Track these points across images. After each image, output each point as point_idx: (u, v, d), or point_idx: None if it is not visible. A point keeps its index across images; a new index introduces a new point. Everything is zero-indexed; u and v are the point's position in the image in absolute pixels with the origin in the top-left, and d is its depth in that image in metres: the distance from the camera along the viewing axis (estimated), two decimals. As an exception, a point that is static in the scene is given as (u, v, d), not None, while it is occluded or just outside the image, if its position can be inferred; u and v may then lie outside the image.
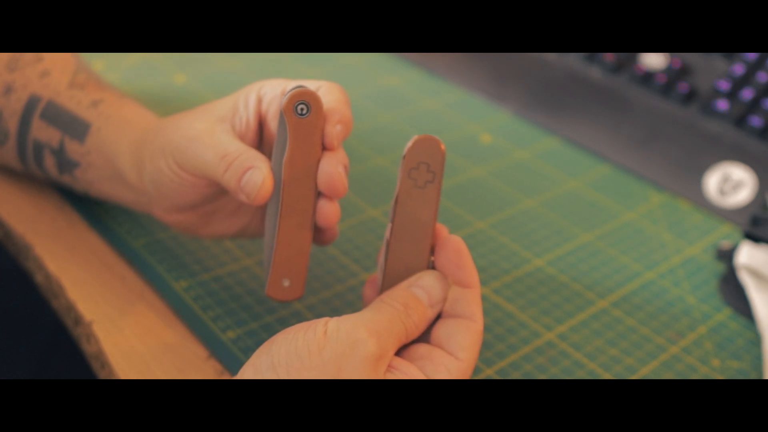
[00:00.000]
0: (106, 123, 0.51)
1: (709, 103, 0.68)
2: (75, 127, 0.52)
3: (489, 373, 0.47)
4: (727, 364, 0.49)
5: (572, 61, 0.76)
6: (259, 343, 0.47)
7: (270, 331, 0.48)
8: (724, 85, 0.69)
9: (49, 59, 0.55)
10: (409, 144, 0.43)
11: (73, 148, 0.52)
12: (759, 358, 0.50)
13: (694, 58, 0.73)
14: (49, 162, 0.53)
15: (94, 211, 0.56)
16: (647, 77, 0.72)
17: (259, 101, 0.47)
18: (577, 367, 0.48)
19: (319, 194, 0.44)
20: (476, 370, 0.47)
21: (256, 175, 0.44)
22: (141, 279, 0.52)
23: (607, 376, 0.48)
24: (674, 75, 0.71)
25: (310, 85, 0.46)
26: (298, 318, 0.49)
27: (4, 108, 0.54)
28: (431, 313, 0.43)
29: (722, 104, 0.68)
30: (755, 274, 0.53)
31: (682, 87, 0.70)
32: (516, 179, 0.65)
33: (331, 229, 0.47)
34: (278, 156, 0.44)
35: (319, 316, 0.50)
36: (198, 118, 0.47)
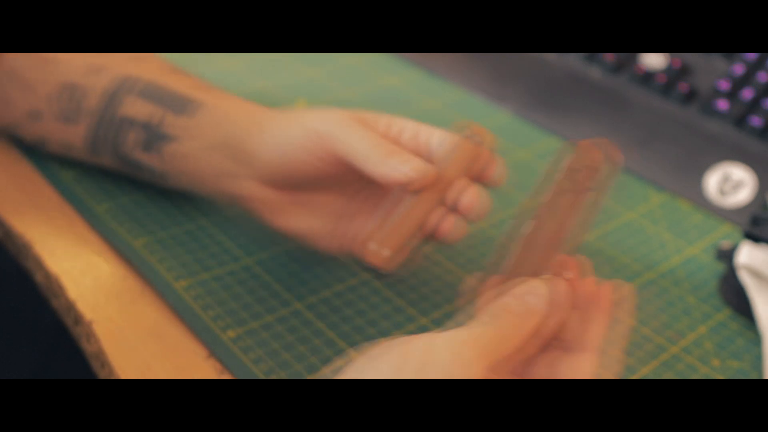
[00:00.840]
0: (222, 102, 0.54)
1: (709, 103, 0.68)
2: (183, 104, 0.53)
3: (489, 373, 0.47)
4: (727, 364, 0.49)
5: (572, 61, 0.76)
6: (259, 343, 0.47)
7: (270, 330, 0.48)
8: (724, 85, 0.69)
9: (138, 52, 0.58)
10: (581, 144, 0.42)
11: (176, 122, 0.53)
12: (759, 358, 0.50)
13: (694, 58, 0.73)
14: (134, 138, 0.54)
15: (95, 211, 0.56)
16: (647, 77, 0.72)
17: (401, 132, 0.48)
18: (577, 367, 0.48)
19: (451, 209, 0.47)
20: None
21: (421, 163, 0.46)
22: (141, 279, 0.52)
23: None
24: (674, 75, 0.71)
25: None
26: (298, 317, 0.49)
27: (88, 85, 0.55)
28: (550, 323, 0.38)
29: (722, 104, 0.68)
30: (755, 274, 0.53)
31: (682, 87, 0.70)
32: (516, 179, 0.65)
33: (451, 243, 0.47)
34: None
35: (319, 315, 0.50)
36: (343, 110, 0.49)
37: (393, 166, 0.45)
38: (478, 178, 0.48)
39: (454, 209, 0.47)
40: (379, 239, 0.45)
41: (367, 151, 0.46)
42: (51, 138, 0.57)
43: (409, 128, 0.49)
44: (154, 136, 0.54)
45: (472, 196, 0.46)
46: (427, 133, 0.48)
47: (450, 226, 0.46)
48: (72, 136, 0.56)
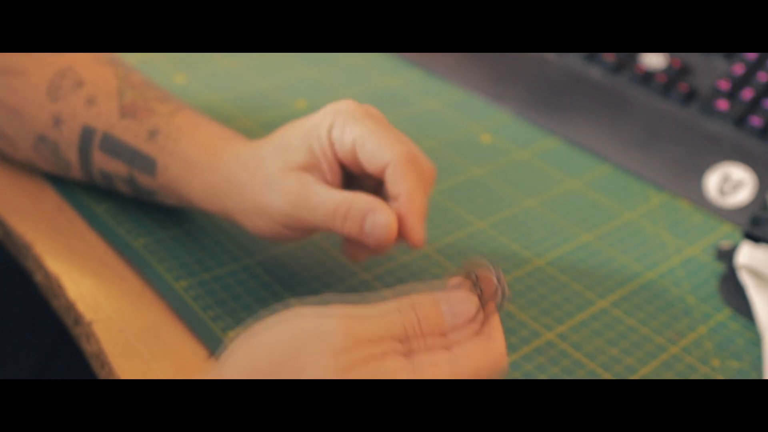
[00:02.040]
0: (171, 160, 0.51)
1: (709, 103, 0.68)
2: (141, 162, 0.52)
3: (489, 373, 0.47)
4: (727, 364, 0.49)
5: (572, 61, 0.76)
6: (259, 343, 0.47)
7: (270, 331, 0.48)
8: (724, 85, 0.69)
9: (90, 83, 0.54)
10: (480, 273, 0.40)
11: (146, 180, 0.53)
12: (759, 358, 0.50)
13: (694, 58, 0.73)
14: (123, 188, 0.55)
15: (94, 211, 0.56)
16: (647, 77, 0.72)
17: (332, 146, 0.47)
18: (577, 367, 0.48)
19: None
20: (476, 370, 0.47)
21: (381, 217, 0.44)
22: (141, 279, 0.52)
23: (607, 376, 0.48)
24: (674, 75, 0.71)
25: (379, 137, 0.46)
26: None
27: (58, 140, 0.54)
28: (448, 326, 0.38)
29: (722, 104, 0.68)
30: (755, 274, 0.53)
31: (682, 87, 0.70)
32: (516, 179, 0.65)
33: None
34: None
35: (319, 316, 0.50)
36: (280, 173, 0.47)
37: (350, 229, 0.45)
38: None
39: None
40: None
41: (326, 223, 0.46)
42: (58, 175, 0.58)
43: (365, 148, 0.46)
44: (137, 189, 0.54)
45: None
46: (373, 152, 0.46)
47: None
48: (73, 178, 0.57)
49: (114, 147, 0.53)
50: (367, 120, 0.47)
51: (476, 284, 0.39)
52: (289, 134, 0.48)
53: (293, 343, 0.36)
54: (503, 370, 0.39)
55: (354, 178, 0.49)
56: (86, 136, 0.53)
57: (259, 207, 0.48)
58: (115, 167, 0.53)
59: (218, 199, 0.50)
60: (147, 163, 0.52)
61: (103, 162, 0.53)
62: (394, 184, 0.45)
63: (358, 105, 0.48)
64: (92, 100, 0.53)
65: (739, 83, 0.69)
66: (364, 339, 0.36)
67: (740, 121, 0.67)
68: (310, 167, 0.47)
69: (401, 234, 0.45)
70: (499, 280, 0.39)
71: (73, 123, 0.53)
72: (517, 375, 0.47)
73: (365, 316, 0.37)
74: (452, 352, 0.38)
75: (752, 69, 0.70)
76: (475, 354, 0.38)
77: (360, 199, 0.45)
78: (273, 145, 0.49)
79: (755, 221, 0.56)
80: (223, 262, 0.53)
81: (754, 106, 0.68)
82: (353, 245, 0.49)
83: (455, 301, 0.39)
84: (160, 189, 0.53)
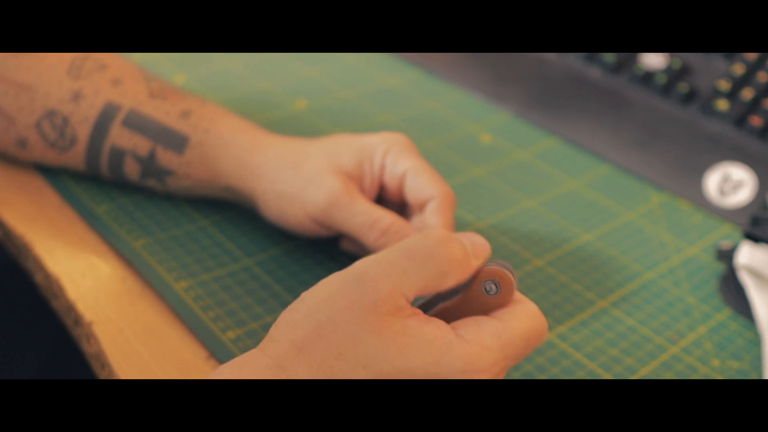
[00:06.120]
0: (206, 137, 0.54)
1: (709, 103, 0.68)
2: (169, 138, 0.54)
3: (489, 373, 0.47)
4: (727, 364, 0.49)
5: (572, 61, 0.76)
6: (258, 344, 0.47)
7: (270, 331, 0.48)
8: (724, 85, 0.69)
9: (114, 66, 0.56)
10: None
11: (168, 157, 0.54)
12: (759, 358, 0.50)
13: (694, 58, 0.73)
14: (131, 168, 0.55)
15: (95, 211, 0.56)
16: (647, 77, 0.72)
17: (383, 168, 0.51)
18: (577, 367, 0.48)
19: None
20: (476, 370, 0.47)
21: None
22: (141, 279, 0.52)
23: (607, 376, 0.48)
24: (674, 75, 0.71)
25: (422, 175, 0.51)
26: (298, 318, 0.49)
27: (71, 114, 0.54)
28: (474, 264, 0.40)
29: (722, 104, 0.68)
30: (755, 274, 0.53)
31: (682, 87, 0.70)
32: (516, 179, 0.65)
33: None
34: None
35: (319, 316, 0.50)
36: (327, 172, 0.50)
37: (382, 245, 0.49)
38: None
39: None
40: None
41: (361, 231, 0.49)
42: (47, 162, 0.58)
43: (416, 180, 0.51)
44: (151, 168, 0.54)
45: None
46: (396, 166, 0.51)
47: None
48: (67, 162, 0.57)
49: (140, 122, 0.54)
50: (419, 156, 0.52)
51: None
52: (339, 143, 0.52)
53: (328, 316, 0.37)
54: (545, 332, 0.40)
55: (379, 200, 0.53)
56: (108, 111, 0.54)
57: (294, 196, 0.51)
58: (135, 142, 0.54)
59: (250, 179, 0.52)
60: (176, 140, 0.53)
61: (120, 137, 0.54)
62: (433, 216, 0.50)
63: (410, 140, 0.53)
64: (118, 81, 0.55)
65: (739, 83, 0.69)
66: (398, 293, 0.38)
67: (740, 121, 0.67)
68: (354, 178, 0.51)
69: None
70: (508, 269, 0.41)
71: (96, 99, 0.54)
72: (517, 375, 0.47)
73: (392, 263, 0.38)
74: (495, 317, 0.39)
75: (752, 69, 0.70)
76: (517, 318, 0.39)
77: (400, 222, 0.49)
78: (320, 146, 0.52)
79: (755, 221, 0.56)
80: (223, 262, 0.53)
81: (754, 106, 0.68)
82: (353, 243, 0.53)
83: (472, 236, 0.41)
84: (181, 167, 0.54)
